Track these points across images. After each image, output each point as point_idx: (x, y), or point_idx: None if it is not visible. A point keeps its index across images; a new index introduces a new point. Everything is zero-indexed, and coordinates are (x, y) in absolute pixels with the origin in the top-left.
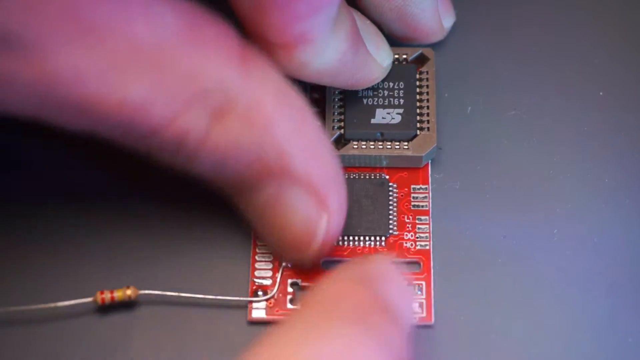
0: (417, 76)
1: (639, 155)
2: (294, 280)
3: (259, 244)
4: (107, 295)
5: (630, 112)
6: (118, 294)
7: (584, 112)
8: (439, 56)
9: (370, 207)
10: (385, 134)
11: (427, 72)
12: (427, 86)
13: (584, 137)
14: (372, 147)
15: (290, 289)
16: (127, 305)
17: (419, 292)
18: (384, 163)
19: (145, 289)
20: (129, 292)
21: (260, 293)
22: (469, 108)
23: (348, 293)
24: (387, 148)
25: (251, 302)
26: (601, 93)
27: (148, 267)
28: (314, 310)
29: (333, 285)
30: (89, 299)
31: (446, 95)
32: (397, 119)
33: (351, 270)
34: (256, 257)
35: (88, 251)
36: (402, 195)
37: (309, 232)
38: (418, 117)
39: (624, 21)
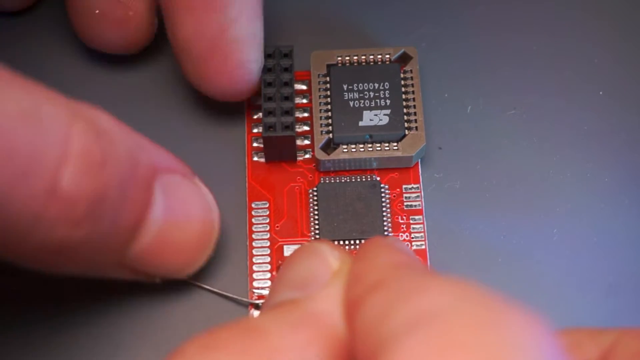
0: (402, 75)
1: (638, 155)
2: None
3: (255, 254)
4: None
5: (630, 112)
6: None
7: (584, 112)
8: (440, 56)
9: (363, 210)
10: (374, 135)
11: (411, 71)
12: (412, 85)
13: (584, 137)
14: (361, 149)
15: None
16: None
17: None
18: (374, 165)
19: None
20: None
21: (261, 303)
22: (469, 108)
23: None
24: (376, 150)
25: (252, 304)
26: (601, 93)
27: None
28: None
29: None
30: None
31: (446, 95)
32: (385, 120)
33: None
34: (254, 268)
35: None
36: (394, 196)
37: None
38: (405, 117)
39: (624, 21)
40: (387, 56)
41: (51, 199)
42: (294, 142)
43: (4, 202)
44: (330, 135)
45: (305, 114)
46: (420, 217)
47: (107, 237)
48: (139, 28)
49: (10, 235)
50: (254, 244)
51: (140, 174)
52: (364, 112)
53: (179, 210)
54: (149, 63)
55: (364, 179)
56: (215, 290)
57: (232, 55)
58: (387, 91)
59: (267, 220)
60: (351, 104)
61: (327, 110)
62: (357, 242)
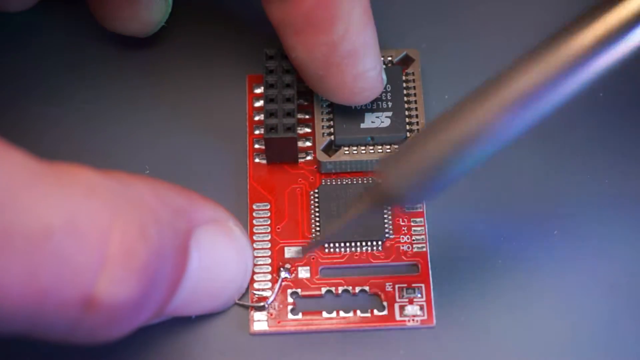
0: (403, 78)
1: (638, 155)
2: (294, 290)
3: (256, 255)
4: None
5: (631, 114)
6: None
7: (583, 113)
8: (440, 57)
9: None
10: (375, 138)
11: (413, 73)
12: (414, 87)
13: (584, 138)
14: (363, 152)
15: (290, 299)
16: None
17: (419, 295)
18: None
19: None
20: None
21: (262, 304)
22: None
23: None
24: (378, 152)
25: (252, 307)
26: (601, 94)
27: None
28: None
29: None
30: None
31: (446, 96)
32: (387, 122)
33: None
34: (254, 269)
35: None
36: None
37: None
38: (407, 119)
39: None
40: (389, 58)
41: (88, 309)
42: (296, 143)
43: (38, 314)
44: (332, 137)
45: (307, 116)
46: (422, 219)
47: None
48: (149, 6)
49: (52, 338)
50: (254, 245)
51: (178, 242)
52: (366, 114)
53: (213, 262)
54: (153, 62)
55: (365, 181)
56: None
57: (346, 71)
58: (389, 93)
59: (268, 222)
60: (353, 106)
61: (328, 112)
62: (359, 244)
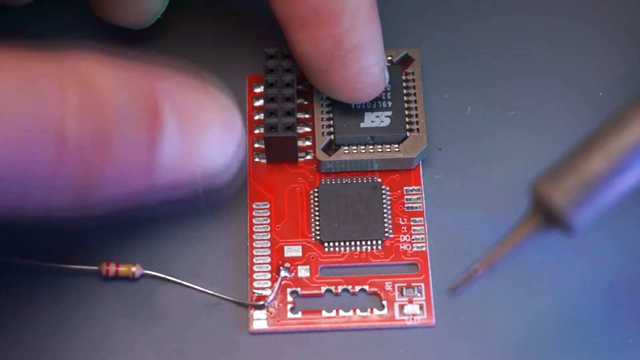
0: (403, 77)
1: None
2: (294, 289)
3: (255, 254)
4: (112, 268)
5: None
6: (123, 269)
7: (583, 113)
8: (440, 57)
9: (364, 212)
10: (375, 137)
11: (413, 73)
12: (414, 87)
13: (583, 136)
14: (362, 151)
15: (290, 298)
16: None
17: (419, 294)
18: (376, 166)
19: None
20: (133, 268)
21: (261, 303)
22: (469, 108)
23: None
24: (377, 151)
25: (252, 306)
26: (600, 94)
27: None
28: None
29: None
30: (94, 268)
31: (446, 96)
32: (387, 121)
33: None
34: (254, 268)
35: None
36: (395, 198)
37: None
38: (407, 119)
39: (622, 21)
40: (389, 58)
41: (61, 144)
42: (295, 142)
43: (19, 156)
44: (332, 136)
45: (307, 115)
46: (421, 218)
47: (127, 169)
48: None
49: (34, 203)
50: (254, 244)
51: (140, 102)
52: (366, 113)
53: (194, 119)
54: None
55: (365, 181)
56: (214, 293)
57: (351, 65)
58: (389, 93)
59: (268, 221)
60: (352, 105)
61: (328, 112)
62: (358, 243)
